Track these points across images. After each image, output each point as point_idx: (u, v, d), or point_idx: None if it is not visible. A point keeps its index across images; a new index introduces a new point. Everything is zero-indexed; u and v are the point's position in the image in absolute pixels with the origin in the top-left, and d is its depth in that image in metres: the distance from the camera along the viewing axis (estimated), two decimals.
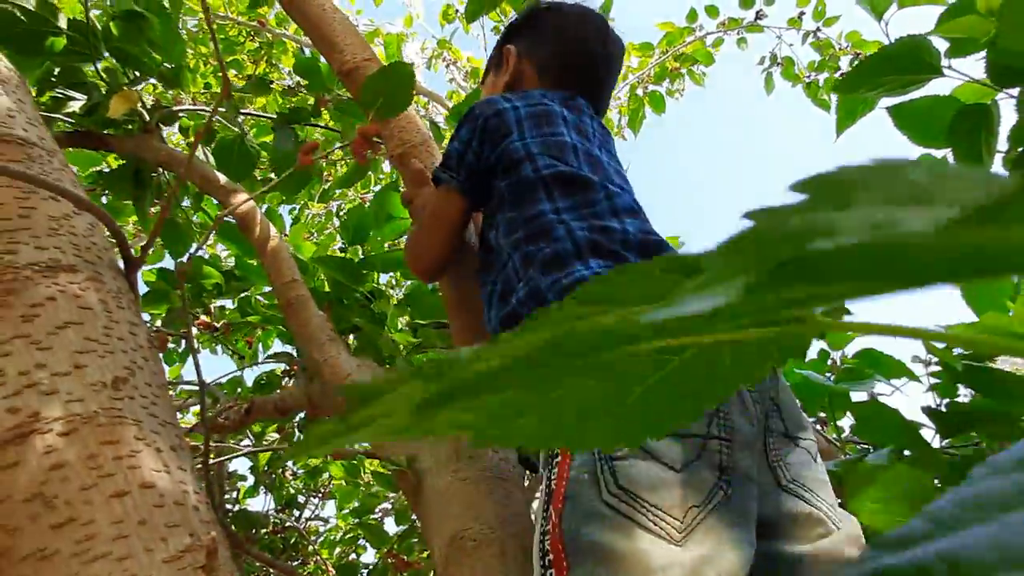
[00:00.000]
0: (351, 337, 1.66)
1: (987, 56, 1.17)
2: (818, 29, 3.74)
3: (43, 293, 0.41)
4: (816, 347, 1.94)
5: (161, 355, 0.57)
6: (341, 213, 3.39)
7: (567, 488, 0.57)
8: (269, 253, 1.36)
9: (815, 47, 3.86)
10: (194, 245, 1.71)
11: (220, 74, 3.49)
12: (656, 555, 0.52)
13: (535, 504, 0.62)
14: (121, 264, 0.50)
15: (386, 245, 1.70)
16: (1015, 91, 1.16)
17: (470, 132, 0.87)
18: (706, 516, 0.56)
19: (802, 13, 3.74)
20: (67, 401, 0.37)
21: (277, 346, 2.37)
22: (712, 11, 3.82)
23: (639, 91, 4.07)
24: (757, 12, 3.80)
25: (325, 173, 2.93)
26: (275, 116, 1.66)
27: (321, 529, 2.97)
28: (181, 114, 1.69)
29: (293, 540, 2.65)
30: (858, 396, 2.24)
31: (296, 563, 2.58)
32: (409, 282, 1.76)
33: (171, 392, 1.22)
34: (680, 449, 0.58)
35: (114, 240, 0.49)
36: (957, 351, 1.69)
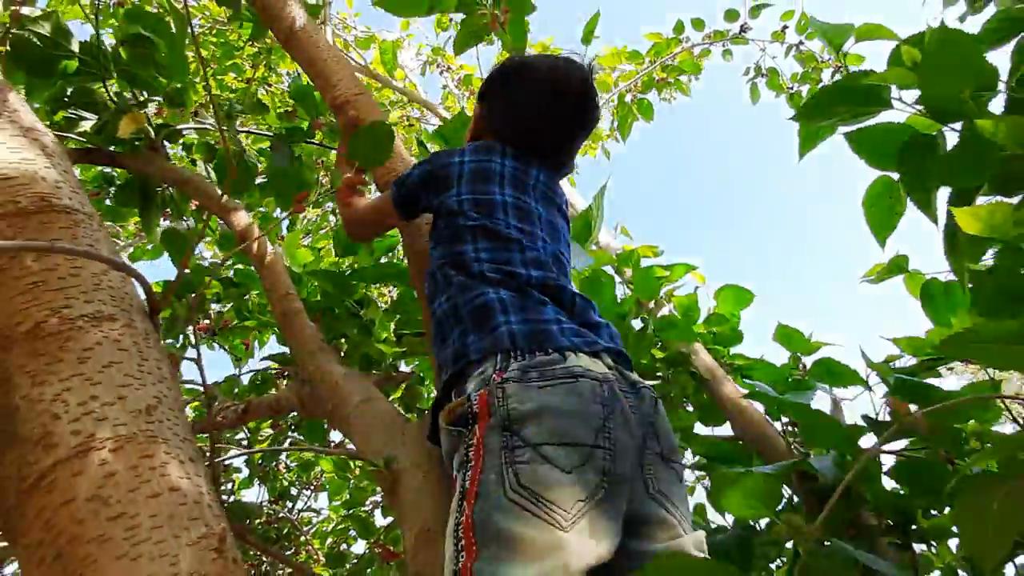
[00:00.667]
0: (344, 340, 1.78)
1: (919, 99, 1.29)
2: (800, 42, 3.86)
3: (92, 339, 0.53)
4: (787, 354, 2.06)
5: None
6: (335, 217, 3.50)
7: (479, 487, 0.71)
8: (266, 267, 1.48)
9: (798, 59, 3.98)
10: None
11: (219, 77, 3.58)
12: (547, 539, 0.66)
13: (452, 502, 0.75)
14: (147, 308, 0.62)
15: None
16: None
17: (423, 175, 1.09)
18: (589, 509, 0.69)
19: (785, 27, 3.86)
20: (114, 425, 0.49)
21: (272, 344, 2.49)
22: (698, 24, 3.93)
23: (628, 98, 4.19)
24: (742, 25, 3.91)
25: (322, 175, 3.05)
26: (272, 135, 1.78)
27: (313, 520, 3.09)
28: (185, 132, 1.81)
29: (286, 530, 2.77)
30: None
31: (288, 552, 2.70)
32: (396, 291, 1.88)
33: None
34: (573, 455, 0.72)
35: (142, 289, 0.61)
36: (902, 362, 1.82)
